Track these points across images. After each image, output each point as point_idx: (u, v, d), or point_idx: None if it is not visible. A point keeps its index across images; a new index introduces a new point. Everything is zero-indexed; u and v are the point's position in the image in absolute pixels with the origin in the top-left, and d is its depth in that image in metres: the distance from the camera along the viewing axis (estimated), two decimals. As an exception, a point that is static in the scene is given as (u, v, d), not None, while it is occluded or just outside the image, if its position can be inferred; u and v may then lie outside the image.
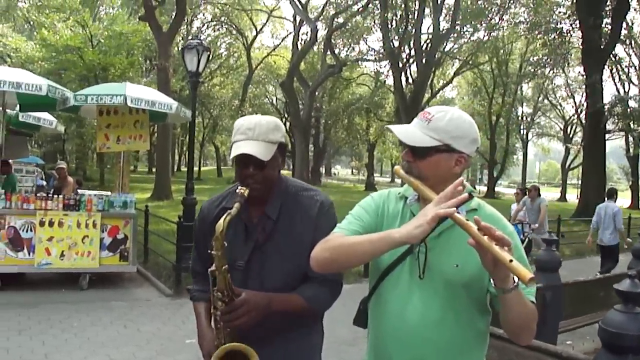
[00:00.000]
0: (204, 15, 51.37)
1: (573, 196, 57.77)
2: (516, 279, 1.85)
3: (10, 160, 13.29)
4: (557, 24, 31.57)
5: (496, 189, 54.17)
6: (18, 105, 12.09)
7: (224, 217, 2.30)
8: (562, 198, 56.28)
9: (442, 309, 2.11)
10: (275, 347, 2.53)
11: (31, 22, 41.62)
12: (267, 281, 2.47)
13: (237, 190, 2.43)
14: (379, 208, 2.31)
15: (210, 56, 13.64)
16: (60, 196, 9.79)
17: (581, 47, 28.34)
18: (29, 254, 9.36)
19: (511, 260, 1.71)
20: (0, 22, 38.44)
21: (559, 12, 32.07)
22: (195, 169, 54.63)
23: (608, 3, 27.02)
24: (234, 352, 2.35)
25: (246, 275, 2.48)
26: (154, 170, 37.27)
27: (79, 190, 12.97)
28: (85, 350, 6.70)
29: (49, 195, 10.33)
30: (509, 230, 2.11)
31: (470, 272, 2.08)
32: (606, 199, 12.34)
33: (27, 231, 9.38)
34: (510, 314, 1.99)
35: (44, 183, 20.62)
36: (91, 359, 6.47)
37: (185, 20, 40.95)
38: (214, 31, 52.52)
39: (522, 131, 60.47)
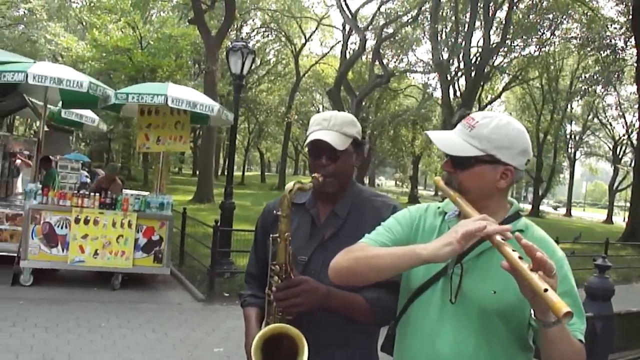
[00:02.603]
0: (253, 21, 51.58)
1: (619, 218, 56.69)
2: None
3: (51, 157, 13.34)
4: (610, 41, 30.90)
5: (540, 207, 53.36)
6: (61, 102, 12.09)
7: (294, 182, 2.24)
8: (609, 220, 55.15)
9: (476, 342, 1.88)
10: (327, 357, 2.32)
11: (83, 23, 42.14)
12: (326, 279, 2.23)
13: (313, 175, 2.34)
14: (414, 222, 2.10)
15: (259, 62, 13.53)
16: (97, 194, 9.69)
17: (635, 64, 27.66)
18: (63, 251, 9.30)
19: (546, 290, 1.49)
20: (53, 21, 38.89)
21: (613, 28, 31.38)
22: (239, 174, 55.76)
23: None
24: (281, 336, 2.16)
25: (305, 271, 2.32)
26: (197, 173, 37.42)
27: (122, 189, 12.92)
28: (110, 353, 6.54)
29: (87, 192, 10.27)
30: (557, 257, 1.86)
31: (509, 300, 1.83)
32: None
33: (62, 227, 9.32)
34: (552, 352, 1.73)
35: (88, 180, 20.76)
36: (115, 363, 6.32)
37: (235, 26, 41.16)
38: (263, 37, 52.68)
39: (569, 150, 59.32)
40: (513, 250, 1.60)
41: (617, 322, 6.12)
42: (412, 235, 2.06)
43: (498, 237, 1.66)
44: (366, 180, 65.20)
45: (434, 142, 1.99)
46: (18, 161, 13.69)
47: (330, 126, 2.35)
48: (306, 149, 2.46)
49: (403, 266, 1.86)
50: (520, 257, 1.58)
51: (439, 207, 2.11)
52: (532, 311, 1.69)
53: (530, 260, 1.58)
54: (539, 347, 1.80)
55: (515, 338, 1.90)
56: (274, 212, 2.29)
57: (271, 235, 2.23)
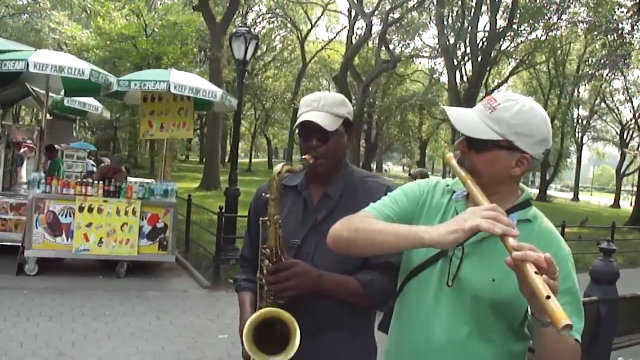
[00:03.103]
0: (259, 7, 51.40)
1: (627, 203, 56.53)
2: None
3: (56, 146, 13.31)
4: (617, 24, 30.64)
5: (548, 192, 53.26)
6: (63, 90, 12.05)
7: (282, 163, 2.22)
8: (616, 204, 55.04)
9: (469, 328, 1.85)
10: (321, 345, 2.30)
11: (87, 11, 42.09)
12: (319, 262, 2.25)
13: (303, 157, 2.31)
14: (421, 197, 2.06)
15: (265, 48, 13.46)
16: (101, 182, 9.66)
17: (643, 48, 27.49)
18: (67, 239, 9.29)
19: (548, 297, 1.44)
20: (57, 10, 38.82)
21: (620, 12, 31.11)
22: (246, 160, 55.74)
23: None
24: (273, 321, 2.12)
25: (298, 255, 2.29)
26: (204, 160, 37.45)
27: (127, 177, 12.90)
28: (114, 341, 6.53)
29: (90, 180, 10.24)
30: (563, 253, 1.82)
31: (506, 291, 1.78)
32: None
33: (66, 216, 9.30)
34: (545, 351, 1.69)
35: (94, 169, 20.76)
36: (119, 350, 6.29)
37: (240, 12, 41.04)
38: (269, 23, 52.58)
39: (577, 134, 59.13)
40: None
41: (622, 306, 6.05)
42: (417, 210, 2.03)
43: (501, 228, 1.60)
44: (374, 166, 65.18)
45: (450, 118, 1.92)
46: (23, 149, 13.67)
47: (320, 107, 2.32)
48: (297, 131, 2.41)
49: (404, 247, 1.85)
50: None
51: (447, 185, 2.06)
52: (529, 308, 1.65)
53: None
54: (534, 343, 1.77)
55: (510, 328, 1.86)
56: (263, 195, 2.26)
57: (261, 219, 2.20)
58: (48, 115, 12.38)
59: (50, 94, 11.32)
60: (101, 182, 9.65)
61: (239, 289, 2.58)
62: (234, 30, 11.97)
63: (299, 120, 2.34)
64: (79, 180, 10.62)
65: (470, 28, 35.02)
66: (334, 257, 2.20)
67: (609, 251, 6.31)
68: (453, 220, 1.70)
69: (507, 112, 1.80)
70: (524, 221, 1.86)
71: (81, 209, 9.30)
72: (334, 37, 55.60)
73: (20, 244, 9.25)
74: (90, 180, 10.11)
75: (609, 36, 31.12)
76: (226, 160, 44.62)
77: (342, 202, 2.34)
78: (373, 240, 1.84)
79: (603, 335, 5.61)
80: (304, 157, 2.30)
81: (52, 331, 6.65)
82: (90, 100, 13.75)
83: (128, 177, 12.70)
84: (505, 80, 50.35)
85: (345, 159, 2.49)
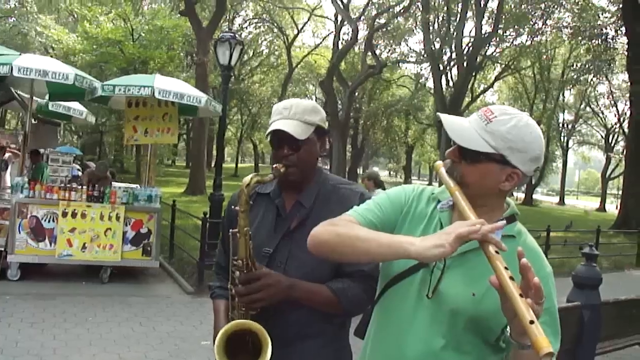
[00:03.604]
0: (245, 12, 51.43)
1: (612, 206, 56.85)
2: None
3: (41, 150, 13.24)
4: (601, 30, 30.90)
5: (534, 196, 53.48)
6: (47, 95, 12.00)
7: (251, 175, 2.21)
8: (602, 208, 55.33)
9: (444, 341, 1.82)
10: (294, 354, 2.28)
11: (74, 15, 41.96)
12: (292, 271, 2.23)
13: (274, 166, 2.29)
14: (406, 204, 2.01)
15: (252, 53, 13.47)
16: (84, 187, 9.62)
17: (626, 53, 27.67)
18: (50, 245, 9.24)
19: (532, 322, 1.42)
20: (44, 13, 38.70)
21: (604, 17, 31.38)
22: (232, 165, 55.64)
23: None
24: (244, 333, 2.11)
25: (271, 264, 2.27)
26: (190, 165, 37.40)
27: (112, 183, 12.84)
28: (96, 347, 6.49)
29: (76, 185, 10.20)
30: (544, 273, 1.80)
31: (486, 307, 1.76)
32: None
33: (49, 221, 9.26)
34: None
35: (80, 173, 20.65)
36: (100, 357, 6.25)
37: (227, 17, 41.02)
38: (256, 28, 52.61)
39: (562, 138, 59.47)
40: (505, 269, 1.53)
41: (605, 311, 6.06)
42: (400, 217, 1.99)
43: (491, 249, 1.59)
44: (360, 171, 65.19)
45: (445, 127, 1.86)
46: (7, 154, 13.59)
47: (291, 115, 2.31)
48: (268, 139, 2.39)
49: (386, 257, 1.80)
50: (511, 277, 1.52)
51: (433, 193, 2.02)
52: (508, 329, 1.65)
53: (517, 275, 1.53)
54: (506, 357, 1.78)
55: (486, 342, 1.84)
56: (232, 206, 2.25)
57: (231, 231, 2.18)
58: (33, 120, 12.32)
59: (34, 98, 11.26)
60: (84, 188, 9.61)
61: (213, 296, 2.56)
62: (219, 35, 11.95)
63: (269, 129, 2.33)
64: (63, 185, 10.56)
65: (455, 33, 35.22)
66: (307, 265, 2.21)
67: (592, 256, 6.33)
68: (439, 234, 1.67)
69: (503, 126, 1.78)
70: (508, 237, 1.82)
71: (64, 214, 9.25)
72: (321, 43, 55.61)
73: (2, 249, 9.18)
74: (75, 185, 10.07)
75: (593, 41, 31.40)
76: (212, 165, 44.49)
77: (314, 210, 2.33)
78: (355, 247, 1.79)
79: (586, 340, 5.62)
80: (274, 166, 2.28)
81: (33, 337, 6.59)
82: (75, 105, 13.68)
83: (113, 182, 12.65)
84: (491, 85, 50.65)
85: (319, 166, 2.47)
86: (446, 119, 1.88)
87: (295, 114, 2.31)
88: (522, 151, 1.78)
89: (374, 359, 2.02)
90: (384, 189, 9.55)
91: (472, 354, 1.83)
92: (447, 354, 1.82)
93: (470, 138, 1.80)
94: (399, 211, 2.00)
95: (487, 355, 1.85)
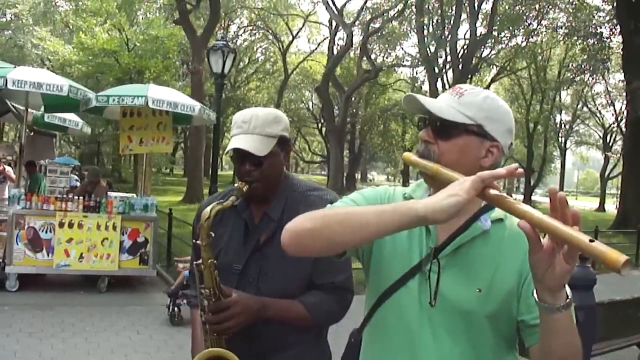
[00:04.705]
0: (240, 19, 51.53)
1: (612, 206, 56.77)
2: (569, 293, 1.42)
3: (38, 161, 13.28)
4: (596, 29, 30.95)
5: (533, 197, 53.44)
6: (43, 106, 12.05)
7: (212, 205, 2.13)
8: (601, 208, 55.22)
9: (461, 350, 1.67)
10: None
11: (70, 26, 42.02)
12: (264, 287, 2.23)
13: (236, 184, 2.25)
14: (380, 202, 1.87)
15: (247, 60, 13.51)
16: (81, 198, 9.67)
17: (622, 52, 27.70)
18: (48, 255, 9.29)
19: (592, 240, 1.20)
20: (39, 25, 38.76)
21: (599, 17, 31.43)
22: (230, 173, 55.57)
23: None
24: (218, 358, 2.13)
25: (242, 280, 2.26)
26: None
27: (109, 193, 12.87)
28: (93, 357, 6.52)
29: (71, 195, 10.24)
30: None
31: (496, 298, 1.64)
32: None
33: (46, 232, 9.31)
34: (554, 342, 1.50)
35: (78, 184, 20.68)
36: (98, 366, 6.30)
37: (222, 25, 41.11)
38: (251, 36, 52.76)
39: (560, 139, 59.30)
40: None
41: (600, 312, 6.05)
42: None
43: (493, 192, 1.39)
44: (358, 176, 65.26)
45: (421, 101, 1.71)
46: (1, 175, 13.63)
47: (251, 129, 2.24)
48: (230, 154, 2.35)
49: (389, 226, 1.48)
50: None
51: (405, 193, 1.90)
52: (534, 294, 1.46)
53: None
54: (529, 345, 1.63)
55: (503, 338, 1.72)
56: (196, 235, 2.22)
57: (195, 263, 2.15)
58: (29, 132, 12.37)
59: (30, 110, 11.33)
60: (81, 198, 9.66)
61: (190, 305, 2.58)
62: (212, 44, 12.02)
63: (229, 146, 2.27)
64: (59, 195, 10.61)
65: (450, 36, 35.29)
66: (279, 281, 2.21)
67: (585, 257, 6.31)
68: (448, 187, 1.43)
69: (475, 97, 1.72)
70: (497, 220, 1.72)
71: (61, 224, 9.30)
72: (316, 48, 55.73)
73: (1, 260, 9.24)
74: (71, 195, 10.11)
75: (588, 40, 31.40)
76: (210, 173, 44.53)
77: (283, 221, 2.15)
78: (348, 222, 1.55)
79: (582, 341, 5.63)
80: (236, 185, 2.25)
81: (31, 347, 6.62)
82: (71, 116, 13.72)
83: (110, 192, 12.68)
84: (487, 87, 50.14)
85: (286, 172, 2.43)
86: (420, 96, 1.76)
87: (255, 128, 2.25)
88: (498, 120, 1.72)
89: None
90: None
91: (490, 357, 1.71)
92: None
93: (448, 112, 1.70)
94: None
95: (504, 356, 1.74)
